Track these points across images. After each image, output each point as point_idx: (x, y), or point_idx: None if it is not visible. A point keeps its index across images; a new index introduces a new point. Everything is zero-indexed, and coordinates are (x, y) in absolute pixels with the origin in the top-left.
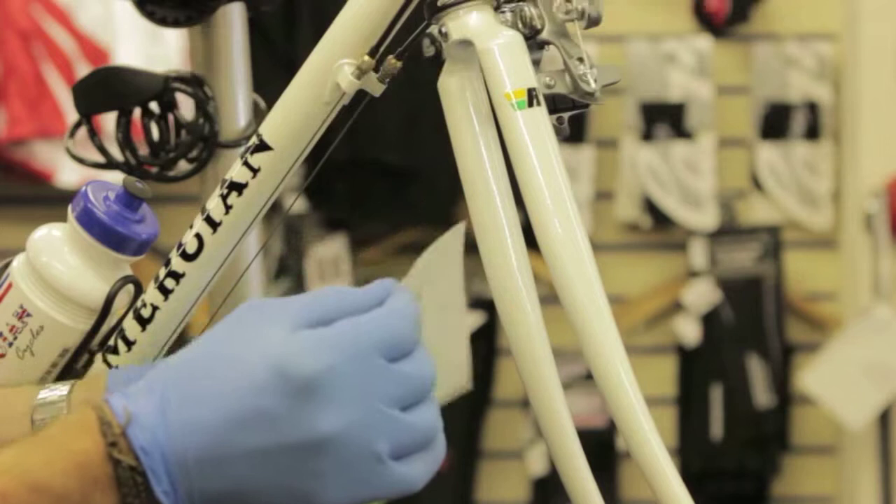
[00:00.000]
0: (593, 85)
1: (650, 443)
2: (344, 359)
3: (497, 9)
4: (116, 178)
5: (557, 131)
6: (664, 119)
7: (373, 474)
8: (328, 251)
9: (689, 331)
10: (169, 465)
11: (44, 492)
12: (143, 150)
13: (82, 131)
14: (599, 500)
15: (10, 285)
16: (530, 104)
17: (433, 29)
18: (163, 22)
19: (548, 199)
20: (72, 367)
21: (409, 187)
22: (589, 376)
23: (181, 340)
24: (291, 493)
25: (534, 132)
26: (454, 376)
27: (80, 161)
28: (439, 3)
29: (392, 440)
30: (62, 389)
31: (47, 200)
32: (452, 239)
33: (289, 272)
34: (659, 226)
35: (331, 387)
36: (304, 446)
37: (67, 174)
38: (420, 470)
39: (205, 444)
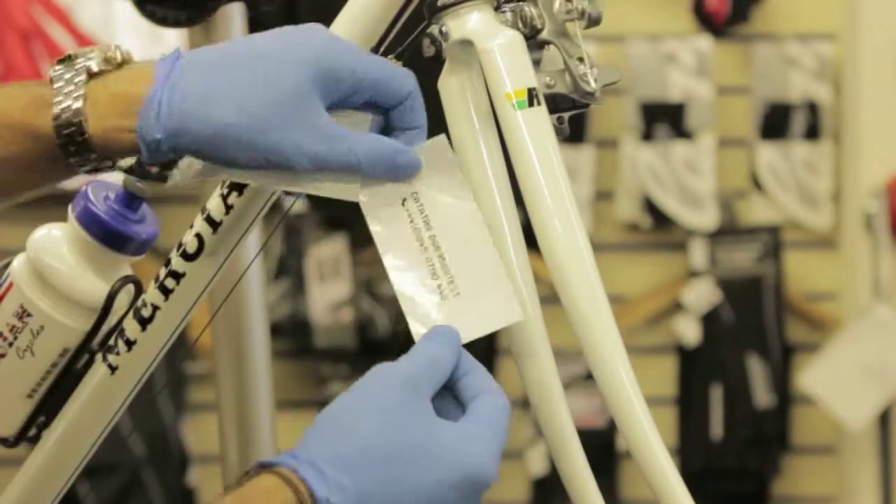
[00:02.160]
0: (593, 85)
1: (650, 443)
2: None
3: (497, 9)
4: (116, 178)
5: (557, 131)
6: (664, 119)
7: None
8: (328, 251)
9: (689, 331)
10: None
11: None
12: None
13: None
14: (599, 500)
15: (10, 285)
16: (530, 104)
17: (433, 29)
18: (163, 22)
19: (548, 199)
20: (72, 367)
21: None
22: (589, 376)
23: (181, 341)
24: None
25: (534, 132)
26: (503, 307)
27: None
28: (439, 3)
29: None
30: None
31: (47, 200)
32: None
33: (289, 272)
34: (659, 226)
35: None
36: None
37: None
38: None
39: None
